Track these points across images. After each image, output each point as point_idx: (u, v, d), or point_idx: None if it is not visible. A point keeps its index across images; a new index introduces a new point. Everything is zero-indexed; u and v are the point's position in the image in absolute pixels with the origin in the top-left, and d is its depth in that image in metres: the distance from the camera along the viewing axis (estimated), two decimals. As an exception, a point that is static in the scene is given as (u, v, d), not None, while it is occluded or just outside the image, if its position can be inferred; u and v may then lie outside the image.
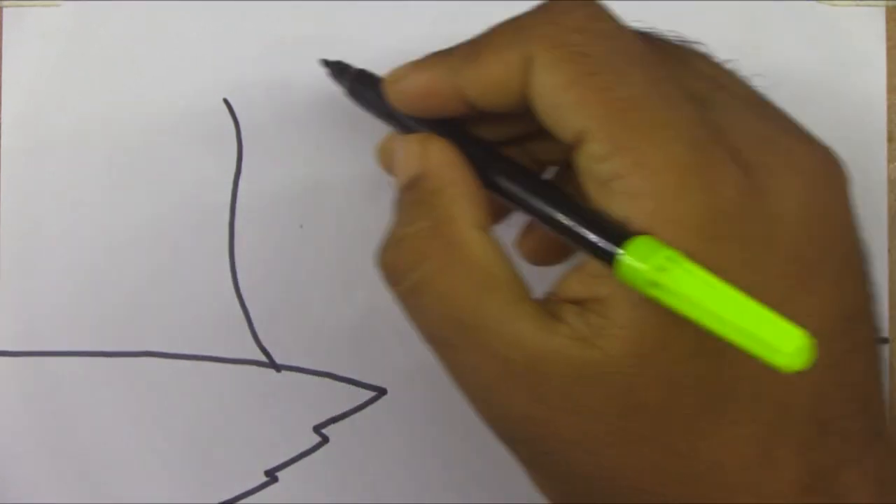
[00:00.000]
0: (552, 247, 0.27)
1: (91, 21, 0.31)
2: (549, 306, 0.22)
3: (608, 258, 0.20)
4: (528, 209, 0.23)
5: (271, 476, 0.32)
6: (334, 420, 0.32)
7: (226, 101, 0.31)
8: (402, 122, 0.25)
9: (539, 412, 0.22)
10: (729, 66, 0.26)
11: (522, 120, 0.23)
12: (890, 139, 0.32)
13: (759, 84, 0.25)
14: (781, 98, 0.32)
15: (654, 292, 0.19)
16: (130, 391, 0.31)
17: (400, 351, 0.32)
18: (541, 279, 0.24)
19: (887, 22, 0.32)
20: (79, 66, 0.31)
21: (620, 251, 0.20)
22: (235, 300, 0.32)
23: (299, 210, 0.32)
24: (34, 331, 0.31)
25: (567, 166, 0.24)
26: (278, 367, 0.32)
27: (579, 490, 0.23)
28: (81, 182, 0.31)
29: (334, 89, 0.32)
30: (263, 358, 0.32)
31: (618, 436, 0.21)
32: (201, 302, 0.31)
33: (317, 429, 0.32)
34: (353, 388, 0.32)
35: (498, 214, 0.26)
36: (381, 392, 0.32)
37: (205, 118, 0.32)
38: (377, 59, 0.32)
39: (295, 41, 0.32)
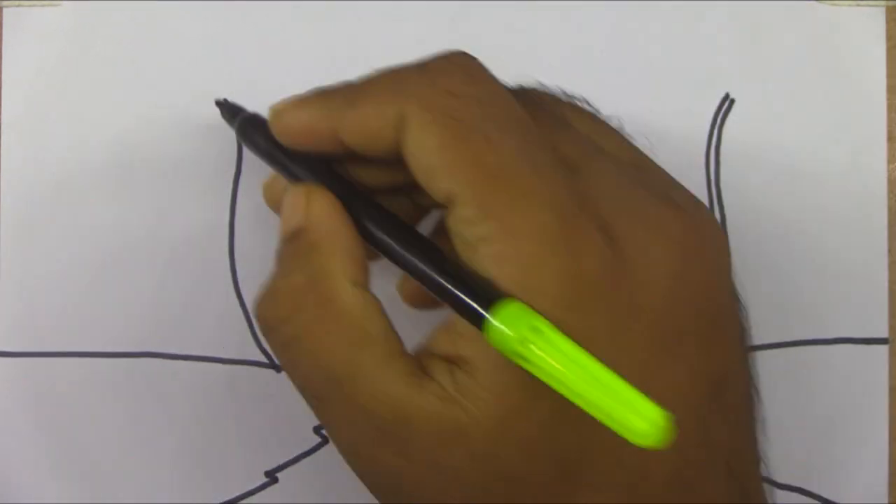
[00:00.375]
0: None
1: (91, 21, 0.31)
2: (422, 360, 0.22)
3: (477, 320, 0.20)
4: (402, 264, 0.23)
5: (271, 476, 0.32)
6: (334, 420, 0.32)
7: (226, 101, 0.31)
8: (288, 169, 0.26)
9: (404, 468, 0.22)
10: (613, 124, 0.27)
11: (402, 167, 0.23)
12: (890, 139, 0.32)
13: (645, 143, 0.26)
14: (782, 98, 0.32)
15: (519, 361, 0.19)
16: (130, 391, 0.31)
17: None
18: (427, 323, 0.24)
19: (887, 22, 0.32)
20: (79, 66, 0.31)
21: (488, 316, 0.20)
22: (235, 300, 0.32)
23: (299, 210, 0.32)
24: (34, 331, 0.31)
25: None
26: (278, 368, 0.32)
27: None
28: (81, 182, 0.31)
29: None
30: (263, 358, 0.32)
31: (477, 498, 0.22)
32: (201, 302, 0.31)
33: (317, 429, 0.32)
34: (353, 388, 0.32)
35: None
36: (381, 392, 0.32)
37: (205, 118, 0.32)
38: (377, 58, 0.32)
39: (295, 41, 0.32)
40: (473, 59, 0.24)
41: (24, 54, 0.31)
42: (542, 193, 0.21)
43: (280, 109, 0.25)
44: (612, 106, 0.32)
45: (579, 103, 0.27)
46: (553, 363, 0.19)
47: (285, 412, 0.32)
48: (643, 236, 0.22)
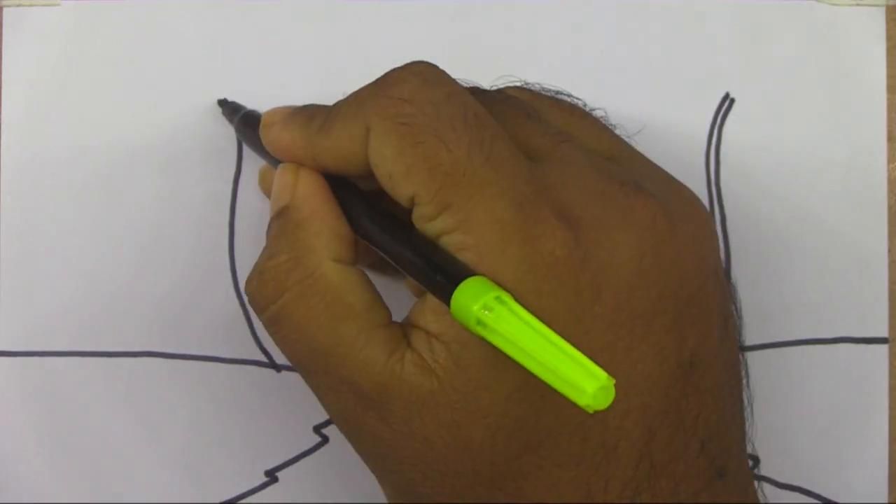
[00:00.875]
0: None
1: (91, 21, 0.31)
2: (405, 330, 0.23)
3: (444, 296, 0.21)
4: (380, 247, 0.24)
5: (271, 476, 0.32)
6: (334, 420, 0.32)
7: (226, 100, 0.31)
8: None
9: (385, 433, 0.23)
10: (595, 113, 0.27)
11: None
12: (890, 139, 0.32)
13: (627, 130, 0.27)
14: (782, 98, 0.32)
15: (479, 330, 0.20)
16: (130, 391, 0.31)
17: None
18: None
19: (887, 22, 0.32)
20: (79, 66, 0.31)
21: (452, 289, 0.21)
22: (235, 300, 0.32)
23: (299, 210, 0.32)
24: (34, 331, 0.31)
25: None
26: (278, 367, 0.32)
27: None
28: (81, 182, 0.31)
29: (333, 89, 0.32)
30: (263, 358, 0.32)
31: (447, 465, 0.23)
32: (201, 302, 0.31)
33: (317, 429, 0.32)
34: (353, 388, 0.32)
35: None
36: (381, 392, 0.32)
37: (205, 118, 0.32)
38: (377, 58, 0.32)
39: (294, 41, 0.32)
40: (431, 65, 0.24)
41: (24, 54, 0.31)
42: (497, 184, 0.22)
43: (269, 123, 0.26)
44: (613, 106, 0.32)
45: (560, 96, 0.28)
46: (508, 329, 0.19)
47: (285, 412, 0.32)
48: (606, 221, 0.23)
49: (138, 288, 0.31)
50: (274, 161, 0.27)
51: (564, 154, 0.24)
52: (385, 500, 0.25)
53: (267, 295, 0.24)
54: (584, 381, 0.18)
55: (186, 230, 0.31)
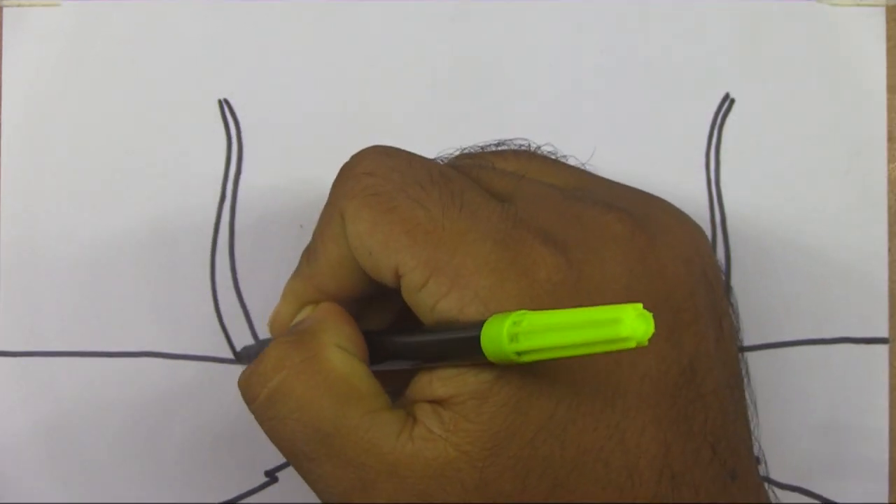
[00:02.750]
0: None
1: (91, 21, 0.31)
2: (407, 409, 0.23)
3: (473, 343, 0.20)
4: (409, 356, 0.24)
5: (271, 476, 0.32)
6: (334, 420, 0.32)
7: (226, 101, 0.32)
8: None
9: None
10: (544, 149, 0.28)
11: (392, 296, 0.24)
12: (890, 139, 0.32)
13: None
14: (782, 98, 0.32)
15: (513, 351, 0.19)
16: (130, 391, 0.31)
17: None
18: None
19: (887, 22, 0.32)
20: (79, 66, 0.31)
21: (477, 333, 0.20)
22: (235, 300, 0.32)
23: (299, 210, 0.32)
24: (34, 331, 0.31)
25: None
26: (278, 367, 0.32)
27: None
28: (81, 182, 0.31)
29: (333, 90, 0.32)
30: (263, 358, 0.32)
31: None
32: (201, 302, 0.31)
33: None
34: (353, 388, 0.32)
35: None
36: (381, 392, 0.32)
37: (205, 118, 0.32)
38: (377, 58, 0.32)
39: (294, 41, 0.32)
40: (385, 145, 0.25)
41: (24, 54, 0.31)
42: (477, 229, 0.22)
43: (271, 319, 0.26)
44: (613, 105, 0.32)
45: (502, 147, 0.28)
46: (540, 333, 0.19)
47: (285, 412, 0.32)
48: (589, 241, 0.23)
49: (138, 288, 0.31)
50: None
51: (528, 189, 0.24)
52: None
53: (263, 373, 0.23)
54: (618, 316, 0.18)
55: (186, 230, 0.31)
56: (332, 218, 0.24)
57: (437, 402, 0.22)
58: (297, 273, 0.26)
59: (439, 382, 0.22)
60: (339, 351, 0.23)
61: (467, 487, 0.22)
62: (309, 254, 0.25)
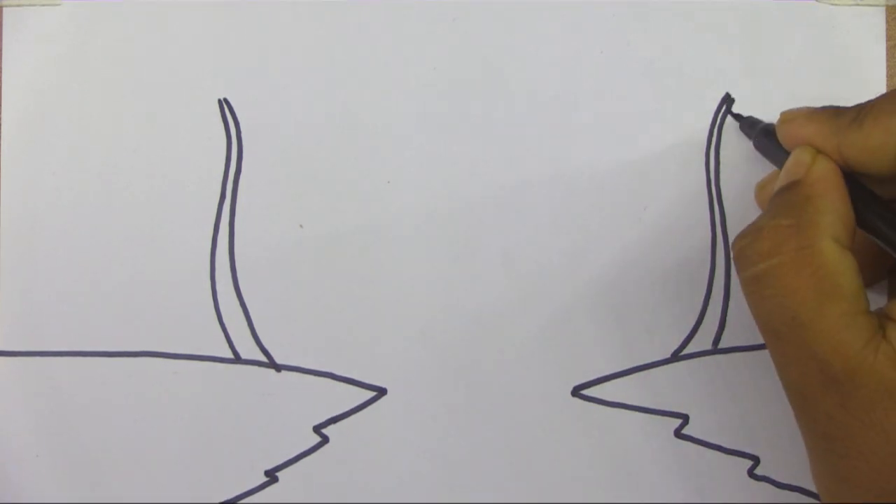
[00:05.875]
0: (868, 270, 0.28)
1: (91, 21, 0.31)
2: (882, 321, 0.24)
3: None
4: (886, 241, 0.25)
5: (271, 476, 0.32)
6: (334, 420, 0.32)
7: (226, 101, 0.32)
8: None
9: (842, 418, 0.23)
10: None
11: (893, 185, 0.25)
12: (890, 139, 0.32)
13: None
14: (782, 98, 0.32)
15: None
16: (130, 391, 0.31)
17: (400, 351, 0.32)
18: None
19: (887, 22, 0.32)
20: (79, 66, 0.31)
21: None
22: (235, 300, 0.32)
23: (299, 210, 0.32)
24: (34, 331, 0.31)
25: None
26: (278, 367, 0.32)
27: (853, 495, 0.24)
28: (81, 182, 0.31)
29: (334, 90, 0.32)
30: (263, 358, 0.32)
31: None
32: (201, 302, 0.31)
33: (317, 429, 0.32)
34: (353, 388, 0.32)
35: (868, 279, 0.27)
36: (381, 392, 0.32)
37: (205, 118, 0.32)
38: (377, 58, 0.32)
39: (295, 41, 0.32)
40: None
41: (24, 54, 0.31)
42: None
43: (789, 119, 0.27)
44: (613, 106, 0.32)
45: None
46: None
47: (285, 412, 0.32)
48: None
49: (138, 288, 0.31)
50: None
51: None
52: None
53: (760, 251, 0.24)
54: None
55: (186, 230, 0.31)
56: (893, 115, 0.24)
57: None
58: (834, 119, 0.26)
59: None
60: (834, 245, 0.24)
61: None
62: (852, 116, 0.25)
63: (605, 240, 0.32)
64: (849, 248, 0.24)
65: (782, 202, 0.25)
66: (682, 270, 0.31)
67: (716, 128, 0.32)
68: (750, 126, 0.31)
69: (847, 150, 0.25)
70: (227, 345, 0.32)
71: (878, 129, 0.24)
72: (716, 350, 0.32)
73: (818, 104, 0.32)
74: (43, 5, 0.31)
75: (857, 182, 0.25)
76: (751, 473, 0.31)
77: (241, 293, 0.32)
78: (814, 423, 0.24)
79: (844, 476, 0.24)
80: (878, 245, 0.25)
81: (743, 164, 0.32)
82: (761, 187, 0.30)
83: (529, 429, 0.32)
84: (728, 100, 0.32)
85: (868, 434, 0.23)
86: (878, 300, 0.29)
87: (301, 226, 0.32)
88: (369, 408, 0.32)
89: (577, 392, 0.32)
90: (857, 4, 0.32)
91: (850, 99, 0.32)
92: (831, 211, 0.24)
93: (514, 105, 0.32)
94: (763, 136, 0.29)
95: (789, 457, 0.31)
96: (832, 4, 0.32)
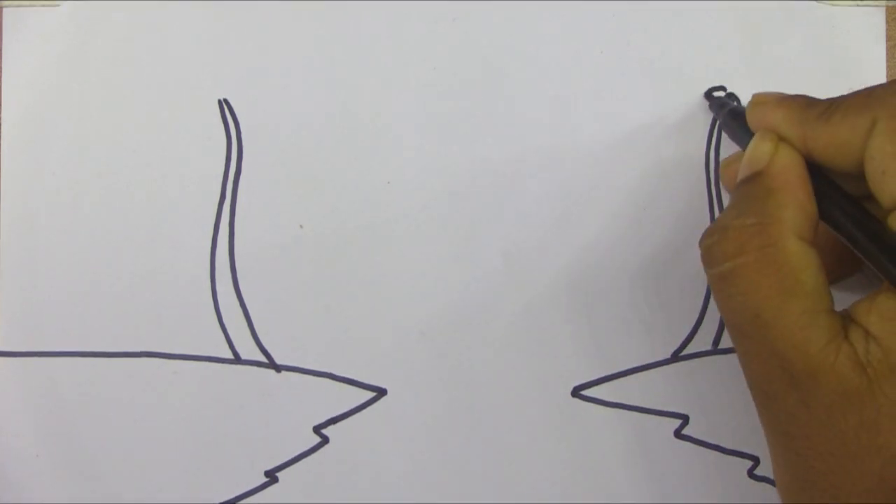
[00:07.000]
0: (834, 267, 0.28)
1: (91, 21, 0.31)
2: (844, 322, 0.24)
3: None
4: (846, 235, 0.24)
5: (271, 476, 0.32)
6: (334, 420, 0.32)
7: (225, 101, 0.32)
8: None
9: (802, 416, 0.23)
10: None
11: (857, 182, 0.25)
12: (890, 139, 0.32)
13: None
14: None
15: None
16: (130, 391, 0.31)
17: (400, 351, 0.32)
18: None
19: (887, 22, 0.32)
20: (79, 66, 0.31)
21: None
22: (235, 300, 0.32)
23: (299, 210, 0.32)
24: (34, 331, 0.31)
25: None
26: (278, 368, 0.32)
27: (809, 496, 0.24)
28: (81, 182, 0.31)
29: (334, 90, 0.32)
30: (263, 358, 0.32)
31: (855, 464, 0.23)
32: (201, 302, 0.31)
33: (317, 429, 0.32)
34: (352, 388, 0.32)
35: (833, 274, 0.27)
36: (381, 392, 0.32)
37: (204, 118, 0.32)
38: (378, 58, 0.32)
39: (295, 41, 0.32)
40: None
41: (24, 54, 0.31)
42: None
43: (761, 101, 0.27)
44: (613, 106, 0.32)
45: None
46: None
47: (285, 412, 0.32)
48: None
49: (138, 288, 0.31)
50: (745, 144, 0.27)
51: None
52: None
53: (725, 251, 0.24)
54: None
55: (186, 230, 0.32)
56: (861, 112, 0.24)
57: (870, 335, 0.23)
58: (804, 110, 0.26)
59: (876, 317, 0.23)
60: (797, 242, 0.24)
61: (862, 422, 0.23)
62: (821, 109, 0.25)
63: (605, 240, 0.31)
64: (811, 242, 0.24)
65: (746, 196, 0.25)
66: (682, 271, 0.31)
67: (716, 128, 0.32)
68: (720, 106, 0.30)
69: (812, 142, 0.25)
70: (227, 345, 0.32)
71: (844, 126, 0.24)
72: (716, 350, 0.32)
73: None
74: (43, 5, 0.31)
75: (820, 173, 0.25)
76: (751, 473, 0.31)
77: (241, 293, 0.32)
78: (776, 421, 0.24)
79: (802, 476, 0.24)
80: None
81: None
82: (725, 165, 0.30)
83: (529, 429, 0.32)
84: (730, 97, 0.32)
85: (826, 435, 0.23)
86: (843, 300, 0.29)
87: (301, 226, 0.32)
88: (369, 408, 0.32)
89: (577, 392, 0.32)
90: (857, 4, 0.32)
91: (850, 99, 0.32)
92: (794, 205, 0.24)
93: (514, 105, 0.32)
94: (730, 117, 0.29)
95: (789, 457, 0.31)
96: (832, 4, 0.32)
